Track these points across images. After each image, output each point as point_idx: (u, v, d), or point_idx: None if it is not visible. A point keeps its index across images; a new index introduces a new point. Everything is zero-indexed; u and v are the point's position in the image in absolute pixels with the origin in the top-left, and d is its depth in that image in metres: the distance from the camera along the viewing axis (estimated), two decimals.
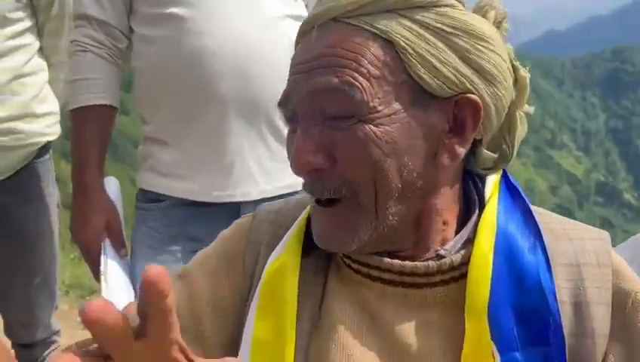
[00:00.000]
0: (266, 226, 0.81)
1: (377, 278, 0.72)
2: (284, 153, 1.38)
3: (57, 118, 1.76)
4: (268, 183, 1.38)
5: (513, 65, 0.73)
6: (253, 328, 0.73)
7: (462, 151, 0.69)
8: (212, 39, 1.30)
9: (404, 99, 0.66)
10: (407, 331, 0.70)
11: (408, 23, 0.66)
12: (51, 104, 1.73)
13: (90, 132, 1.39)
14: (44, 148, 1.73)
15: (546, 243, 0.70)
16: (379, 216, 0.68)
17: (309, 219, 0.76)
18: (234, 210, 1.35)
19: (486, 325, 0.66)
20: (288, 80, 0.70)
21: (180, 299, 0.79)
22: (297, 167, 0.68)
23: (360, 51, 0.65)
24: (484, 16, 0.71)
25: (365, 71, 0.64)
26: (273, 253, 0.76)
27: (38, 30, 1.69)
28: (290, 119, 0.72)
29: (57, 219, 1.81)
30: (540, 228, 0.71)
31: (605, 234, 0.74)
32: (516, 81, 0.73)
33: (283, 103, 0.72)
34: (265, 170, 1.37)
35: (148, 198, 1.42)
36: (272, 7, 1.36)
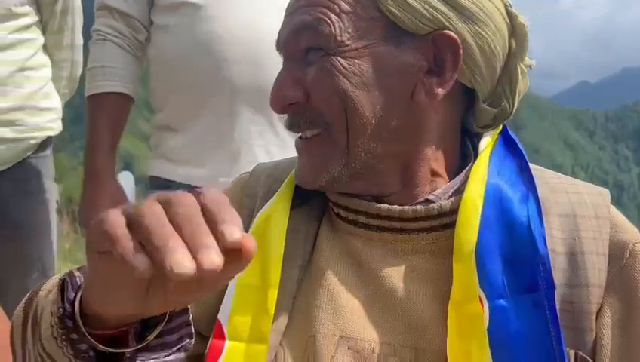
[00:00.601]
0: (262, 180, 0.82)
1: (365, 225, 0.72)
2: (292, 140, 1.40)
3: (59, 114, 1.78)
4: None
5: (509, 12, 0.72)
6: None
7: (440, 91, 0.69)
8: (224, 25, 1.33)
9: (376, 35, 0.67)
10: (394, 277, 0.69)
11: None
12: (53, 100, 1.75)
13: (104, 118, 1.41)
14: (45, 143, 1.75)
15: (539, 193, 0.68)
16: (350, 151, 0.69)
17: None
18: None
19: (474, 270, 0.65)
20: (283, 18, 0.74)
21: None
22: (274, 101, 0.71)
23: None
24: None
25: (337, 7, 0.67)
26: (266, 204, 0.76)
27: (42, 28, 1.72)
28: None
29: (55, 214, 1.82)
30: (536, 181, 0.70)
31: (605, 191, 0.72)
32: (514, 30, 0.72)
33: (277, 48, 0.76)
34: (272, 157, 1.37)
35: (157, 185, 1.43)
36: None
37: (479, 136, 0.75)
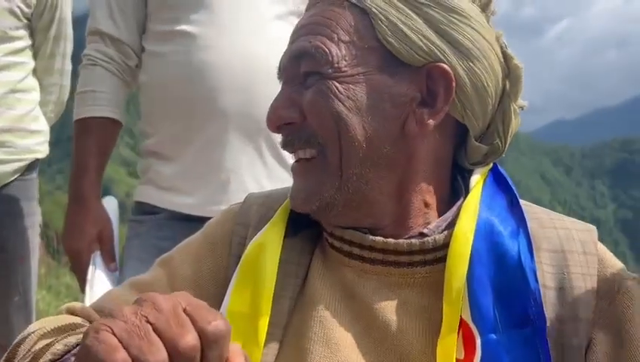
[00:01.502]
0: (255, 209, 0.82)
1: (359, 256, 0.72)
2: (281, 172, 1.40)
3: (47, 137, 1.79)
4: None
5: (505, 54, 0.74)
6: (229, 300, 0.73)
7: (431, 122, 0.70)
8: (219, 54, 1.34)
9: (372, 63, 0.70)
10: (387, 310, 0.69)
11: None
12: (41, 123, 1.76)
13: (91, 143, 1.41)
14: (32, 165, 1.75)
15: (530, 229, 0.69)
16: (343, 174, 0.70)
17: None
18: None
19: (462, 305, 0.65)
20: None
21: (160, 281, 0.79)
22: (270, 119, 0.73)
23: (335, 18, 0.71)
24: None
25: (335, 36, 0.70)
26: (258, 233, 0.76)
27: (34, 52, 1.74)
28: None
29: (38, 239, 1.80)
30: (525, 216, 0.71)
31: (592, 228, 0.74)
32: (509, 71, 0.74)
33: (278, 73, 0.78)
34: (261, 187, 1.37)
35: (143, 211, 1.42)
36: (280, 31, 1.40)
37: (470, 172, 0.76)
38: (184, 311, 0.47)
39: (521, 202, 0.73)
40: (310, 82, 0.71)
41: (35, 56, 1.73)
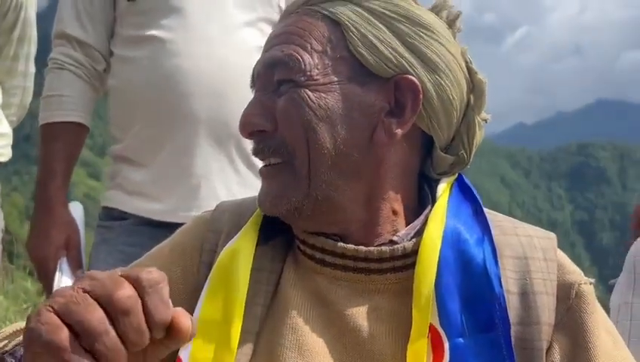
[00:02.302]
0: (226, 216, 0.82)
1: (330, 264, 0.74)
2: (253, 179, 1.41)
3: (10, 140, 1.75)
4: None
5: (469, 68, 0.77)
6: (200, 308, 0.73)
7: (399, 131, 0.72)
8: (189, 60, 1.34)
9: (343, 73, 0.72)
10: (359, 316, 0.71)
11: (356, 8, 0.73)
12: (4, 126, 1.72)
13: (58, 148, 1.39)
14: None
15: (494, 236, 0.72)
16: (311, 181, 0.71)
17: None
18: None
19: (428, 310, 0.68)
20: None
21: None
22: (243, 125, 0.74)
23: (308, 28, 0.73)
24: (437, 14, 0.77)
25: (308, 45, 0.72)
26: (230, 241, 0.77)
27: None
28: None
29: (1, 246, 1.77)
30: (490, 224, 0.73)
31: (552, 235, 0.77)
32: (473, 85, 0.77)
33: (252, 84, 0.79)
34: (232, 194, 1.37)
35: (111, 216, 1.41)
36: (250, 38, 1.41)
37: (436, 182, 0.78)
38: (120, 275, 0.48)
39: (485, 210, 0.76)
40: (283, 90, 0.72)
41: None
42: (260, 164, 1.43)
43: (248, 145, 1.36)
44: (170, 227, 1.35)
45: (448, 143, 0.77)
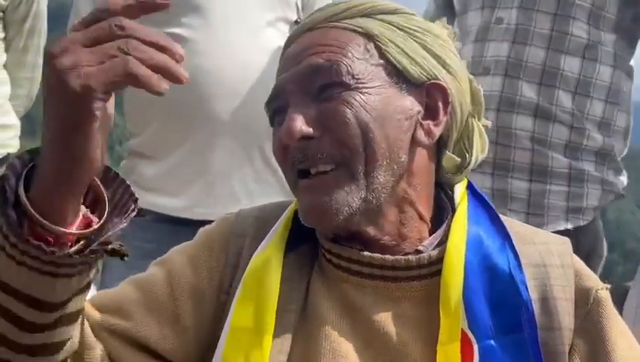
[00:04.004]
0: (250, 221, 0.83)
1: (357, 272, 0.75)
2: (269, 175, 1.42)
3: (18, 132, 1.75)
4: (250, 204, 1.38)
5: (469, 79, 0.81)
6: (232, 315, 0.75)
7: (437, 130, 0.76)
8: (211, 60, 1.34)
9: (383, 79, 0.74)
10: (387, 323, 0.73)
11: (383, 23, 0.76)
12: (12, 118, 1.72)
13: None
14: (3, 160, 1.71)
15: (514, 243, 0.75)
16: (368, 184, 0.72)
17: (294, 217, 0.80)
18: None
19: (460, 314, 0.70)
20: (277, 78, 0.77)
21: (158, 280, 0.80)
22: (289, 135, 0.71)
23: (343, 39, 0.74)
24: None
25: (349, 53, 0.73)
26: (259, 247, 0.78)
27: (5, 45, 1.70)
28: (277, 112, 0.77)
29: None
30: (508, 231, 0.76)
31: (567, 240, 0.80)
32: (472, 93, 0.81)
33: (271, 100, 0.78)
34: (248, 190, 1.39)
35: None
36: (270, 39, 1.42)
37: (449, 187, 0.81)
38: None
39: (502, 218, 0.79)
40: (328, 95, 0.72)
41: (6, 50, 1.69)
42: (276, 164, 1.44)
43: (267, 144, 1.39)
44: (186, 223, 1.36)
45: (451, 148, 0.81)
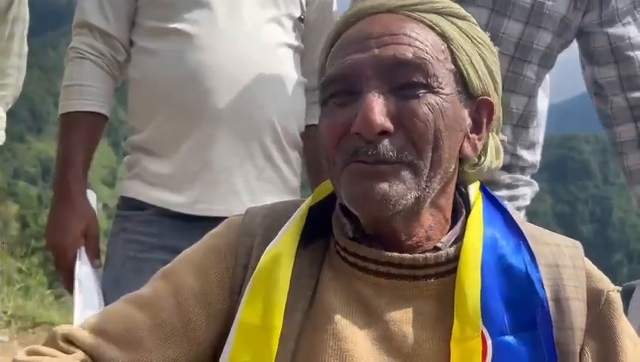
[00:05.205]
0: (259, 220, 0.83)
1: (374, 271, 0.75)
2: (271, 173, 1.43)
3: (4, 124, 1.74)
4: (252, 201, 1.39)
5: None
6: (241, 311, 0.75)
7: (480, 145, 0.77)
8: (213, 56, 1.35)
9: (453, 86, 0.74)
10: (402, 321, 0.73)
11: (454, 26, 0.75)
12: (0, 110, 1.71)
13: (77, 138, 1.39)
14: None
15: (529, 243, 0.76)
16: (426, 187, 0.72)
17: (307, 215, 0.80)
18: (215, 225, 1.36)
19: (476, 311, 0.70)
20: (342, 54, 0.73)
21: (164, 294, 0.79)
22: (368, 127, 0.68)
23: (424, 35, 0.73)
24: None
25: (431, 52, 0.72)
26: (270, 244, 0.78)
27: None
28: (339, 93, 0.73)
29: None
30: (523, 231, 0.77)
31: (578, 243, 0.80)
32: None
33: (337, 79, 0.73)
34: (250, 188, 1.39)
35: (130, 206, 1.42)
36: (273, 35, 1.42)
37: (465, 189, 0.82)
38: None
39: (515, 219, 0.79)
40: (410, 92, 0.71)
41: None
42: (280, 159, 1.45)
43: (269, 140, 1.39)
44: (189, 219, 1.37)
45: None
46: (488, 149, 0.81)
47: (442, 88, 0.71)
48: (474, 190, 0.81)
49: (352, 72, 0.72)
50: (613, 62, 1.36)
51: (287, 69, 1.43)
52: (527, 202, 1.52)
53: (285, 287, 0.74)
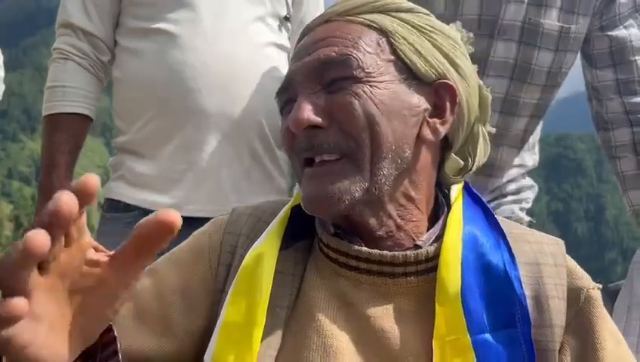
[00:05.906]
0: (244, 219, 0.84)
1: (354, 268, 0.76)
2: (259, 173, 1.42)
3: None
4: (239, 202, 1.38)
5: (478, 84, 0.82)
6: (225, 310, 0.75)
7: (443, 129, 0.77)
8: (197, 55, 1.34)
9: (393, 75, 0.75)
10: (383, 318, 0.73)
11: (397, 20, 0.77)
12: None
13: (62, 139, 1.38)
14: None
15: (509, 241, 0.76)
16: (373, 175, 0.73)
17: (290, 214, 0.80)
18: (201, 225, 1.35)
19: (457, 309, 0.71)
20: (289, 68, 0.78)
21: (147, 291, 0.79)
22: (296, 123, 0.73)
23: (356, 33, 0.75)
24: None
25: (361, 47, 0.74)
26: (255, 243, 0.78)
27: None
28: (287, 102, 0.79)
29: None
30: (503, 229, 0.77)
31: (560, 241, 0.81)
32: (480, 98, 0.82)
33: (282, 90, 0.79)
34: (237, 189, 1.39)
35: (115, 208, 1.41)
36: (260, 34, 1.41)
37: (448, 189, 0.82)
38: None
39: (497, 217, 0.79)
40: (339, 86, 0.73)
41: None
42: (266, 159, 1.44)
43: (255, 141, 1.39)
44: None
45: (456, 150, 0.81)
46: (478, 148, 0.82)
47: (374, 77, 0.73)
48: (455, 190, 0.82)
49: (290, 80, 0.77)
50: (612, 66, 1.36)
51: (274, 68, 1.42)
52: (530, 205, 1.53)
53: (268, 285, 0.74)
